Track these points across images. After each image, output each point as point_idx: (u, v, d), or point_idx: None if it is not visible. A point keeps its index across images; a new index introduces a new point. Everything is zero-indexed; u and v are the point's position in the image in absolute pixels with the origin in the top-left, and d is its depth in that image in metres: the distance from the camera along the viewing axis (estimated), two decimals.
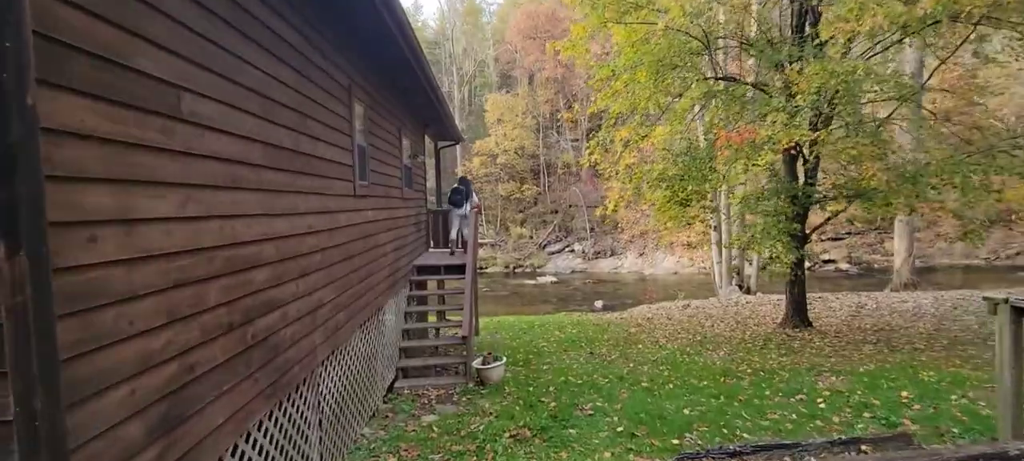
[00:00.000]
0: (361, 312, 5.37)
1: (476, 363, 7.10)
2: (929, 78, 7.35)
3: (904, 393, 5.27)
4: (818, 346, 8.55)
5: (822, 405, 5.16)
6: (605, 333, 11.04)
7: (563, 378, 7.16)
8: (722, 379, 6.70)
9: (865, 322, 10.89)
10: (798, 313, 9.80)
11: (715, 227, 19.34)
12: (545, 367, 8.01)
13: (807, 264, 32.41)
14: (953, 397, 5.13)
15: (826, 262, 29.58)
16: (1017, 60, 7.85)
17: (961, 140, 8.19)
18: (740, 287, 19.53)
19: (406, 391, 6.81)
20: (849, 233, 31.04)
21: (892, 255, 27.95)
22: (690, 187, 7.58)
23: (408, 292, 8.28)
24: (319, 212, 4.11)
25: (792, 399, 5.47)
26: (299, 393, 3.68)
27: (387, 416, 5.98)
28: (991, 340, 8.80)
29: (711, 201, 8.66)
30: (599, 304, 21.21)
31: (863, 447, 3.86)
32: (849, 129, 6.39)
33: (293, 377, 3.47)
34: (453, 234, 9.85)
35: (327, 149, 4.34)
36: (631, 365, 7.93)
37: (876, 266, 28.70)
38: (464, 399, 6.45)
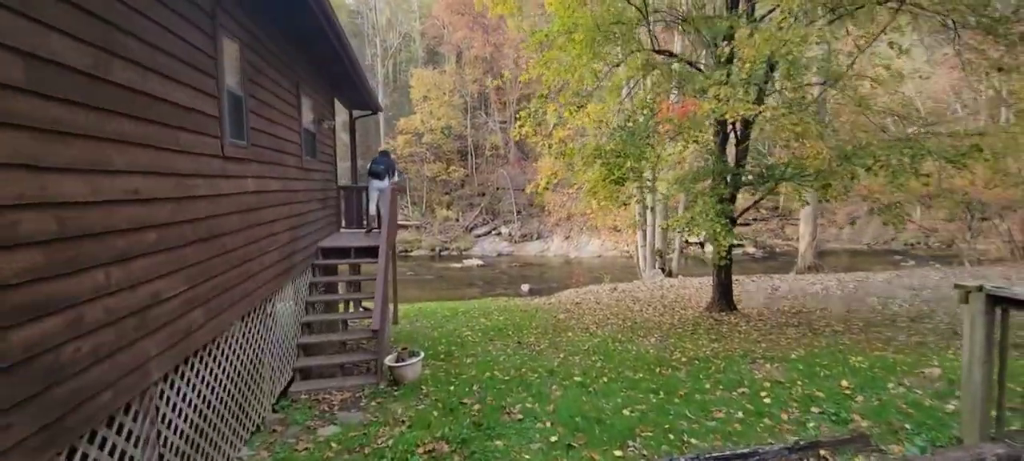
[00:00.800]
0: (235, 306, 4.25)
1: (389, 360, 6.16)
2: (852, 63, 7.28)
3: (844, 382, 5.04)
4: (745, 331, 8.46)
5: (767, 400, 4.79)
6: (533, 320, 10.45)
7: (489, 374, 6.41)
8: (658, 370, 6.26)
9: (782, 304, 11.14)
10: (724, 297, 9.74)
11: (642, 211, 19.48)
12: (469, 360, 7.22)
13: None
14: (890, 385, 4.96)
15: (735, 246, 31.36)
16: (927, 51, 8.05)
17: (876, 126, 8.32)
18: (663, 270, 19.88)
19: (304, 396, 5.73)
20: (755, 219, 33.20)
21: (793, 240, 30.14)
22: (628, 164, 7.06)
23: (311, 278, 7.11)
24: (156, 173, 2.98)
25: (734, 393, 5.08)
26: (113, 428, 2.59)
27: (275, 430, 4.91)
28: (899, 321, 9.24)
29: (647, 180, 8.22)
30: (526, 288, 20.79)
31: (823, 452, 3.44)
32: (792, 106, 6.13)
33: (96, 408, 2.38)
34: (371, 208, 8.74)
35: (171, 87, 3.18)
36: (562, 355, 7.34)
37: (778, 250, 30.84)
38: (373, 404, 5.51)
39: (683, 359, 6.73)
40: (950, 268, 17.66)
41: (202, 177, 3.60)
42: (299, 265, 6.44)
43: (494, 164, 37.65)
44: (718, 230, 6.46)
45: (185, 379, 3.44)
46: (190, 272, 3.38)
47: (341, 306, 8.87)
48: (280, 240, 5.63)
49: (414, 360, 6.16)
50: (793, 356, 6.48)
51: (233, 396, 4.29)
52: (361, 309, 8.58)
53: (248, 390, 4.65)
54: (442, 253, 31.83)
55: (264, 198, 5.07)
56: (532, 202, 34.73)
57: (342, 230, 9.54)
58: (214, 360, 3.93)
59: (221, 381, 4.06)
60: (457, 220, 34.46)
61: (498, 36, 39.11)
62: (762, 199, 9.15)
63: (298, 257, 6.39)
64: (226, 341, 4.18)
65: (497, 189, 35.53)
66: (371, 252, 7.37)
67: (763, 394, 4.92)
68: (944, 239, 25.57)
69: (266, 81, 5.23)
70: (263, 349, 5.09)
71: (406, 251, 32.11)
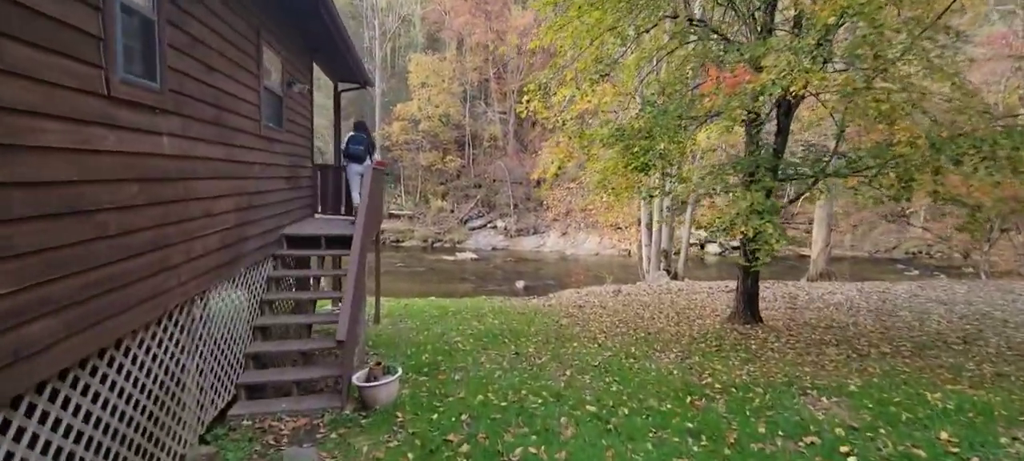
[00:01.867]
0: (132, 310, 3.04)
1: (358, 378, 4.96)
2: (921, 33, 6.00)
3: (943, 434, 3.89)
4: (779, 349, 7.32)
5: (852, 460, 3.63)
6: (532, 324, 9.28)
7: (481, 397, 5.23)
8: (689, 399, 5.11)
9: (806, 316, 10.03)
10: (750, 307, 8.61)
11: (648, 208, 18.35)
12: (458, 376, 6.04)
13: (716, 251, 32.90)
14: (1003, 439, 3.82)
15: (735, 248, 30.43)
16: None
17: (973, 110, 7.00)
18: (667, 272, 18.77)
19: (247, 422, 4.53)
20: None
21: (796, 245, 29.18)
22: (659, 146, 5.87)
23: (271, 272, 5.90)
24: None
25: (801, 444, 3.93)
26: None
27: None
28: (951, 343, 8.14)
29: (677, 168, 7.01)
30: (520, 284, 19.69)
31: None
32: (873, 76, 4.94)
33: None
34: (355, 197, 7.48)
35: None
36: (568, 373, 6.18)
37: (779, 255, 29.84)
38: (334, 436, 4.32)
39: (716, 385, 5.58)
40: (973, 280, 16.70)
41: (61, 120, 2.38)
42: (252, 255, 5.22)
43: (492, 155, 36.39)
44: (769, 231, 5.30)
45: (40, 415, 2.23)
46: (25, 266, 2.17)
47: (326, 303, 7.66)
48: (222, 223, 4.41)
49: (389, 379, 4.96)
50: (852, 387, 5.34)
51: (130, 431, 3.09)
52: (338, 309, 7.37)
53: (158, 419, 3.45)
54: (435, 245, 30.66)
55: (193, 167, 3.84)
56: (530, 196, 33.54)
57: (318, 216, 8.31)
58: (85, 388, 2.72)
59: (103, 416, 2.85)
60: (452, 211, 33.22)
61: (500, 23, 37.83)
62: (797, 200, 7.99)
63: (251, 246, 5.18)
64: (114, 358, 2.97)
65: (494, 181, 34.32)
66: (345, 242, 6.15)
67: (843, 449, 3.76)
68: (956, 249, 24.61)
69: (202, 12, 3.99)
70: (186, 364, 3.88)
71: (398, 242, 30.93)
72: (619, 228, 27.28)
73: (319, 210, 8.44)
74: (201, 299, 4.15)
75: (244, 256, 5.00)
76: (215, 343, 4.44)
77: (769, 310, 10.51)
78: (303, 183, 7.34)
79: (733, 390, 5.39)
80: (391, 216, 32.89)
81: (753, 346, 7.48)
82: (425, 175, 35.01)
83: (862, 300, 12.22)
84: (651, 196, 6.74)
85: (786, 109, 6.78)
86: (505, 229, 31.65)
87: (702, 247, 29.48)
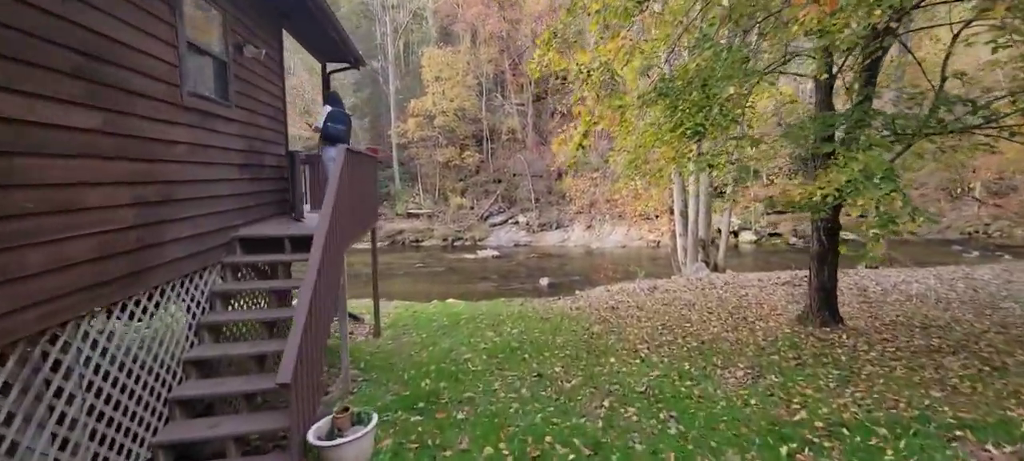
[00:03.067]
0: None
1: (316, 432, 3.57)
2: None
3: None
4: (876, 359, 5.67)
5: None
6: (557, 334, 7.79)
7: (490, 449, 3.80)
8: (783, 448, 3.57)
9: (888, 312, 8.28)
10: (827, 305, 6.95)
11: (682, 192, 16.64)
12: (462, 414, 4.61)
13: (753, 237, 30.78)
14: None
15: (773, 235, 28.48)
16: None
17: None
18: (706, 263, 16.99)
19: None
20: (793, 205, 30.05)
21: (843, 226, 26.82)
22: (726, 93, 4.30)
23: (217, 286, 4.57)
24: None
25: None
26: None
27: None
28: None
29: (744, 124, 5.38)
30: (545, 282, 18.22)
31: None
32: None
33: None
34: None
35: None
36: (606, 404, 4.70)
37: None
38: None
39: (816, 423, 4.01)
40: None
41: None
42: (178, 265, 3.88)
43: (511, 149, 34.91)
44: (899, 205, 3.69)
45: None
46: None
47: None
48: (103, 222, 3.07)
49: (358, 433, 3.55)
50: None
51: None
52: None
53: None
54: (455, 243, 29.44)
55: (30, 138, 2.50)
56: (551, 189, 31.97)
57: (309, 214, 6.97)
58: None
59: None
60: (471, 208, 31.92)
61: (514, 12, 36.32)
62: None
63: (174, 253, 3.84)
64: None
65: (514, 175, 32.86)
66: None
67: None
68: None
69: None
70: (28, 442, 2.54)
71: (417, 241, 29.85)
72: (648, 218, 25.49)
73: (308, 208, 7.11)
74: (72, 331, 2.82)
75: (160, 267, 3.66)
76: (103, 396, 3.10)
77: (840, 306, 8.80)
78: (268, 173, 6.00)
79: (844, 432, 3.82)
80: (410, 215, 31.82)
81: (842, 357, 5.84)
82: (443, 172, 33.80)
83: (946, 289, 10.32)
84: (709, 166, 5.14)
85: (869, 67, 5.10)
86: (527, 224, 30.20)
87: (736, 235, 27.50)
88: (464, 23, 38.33)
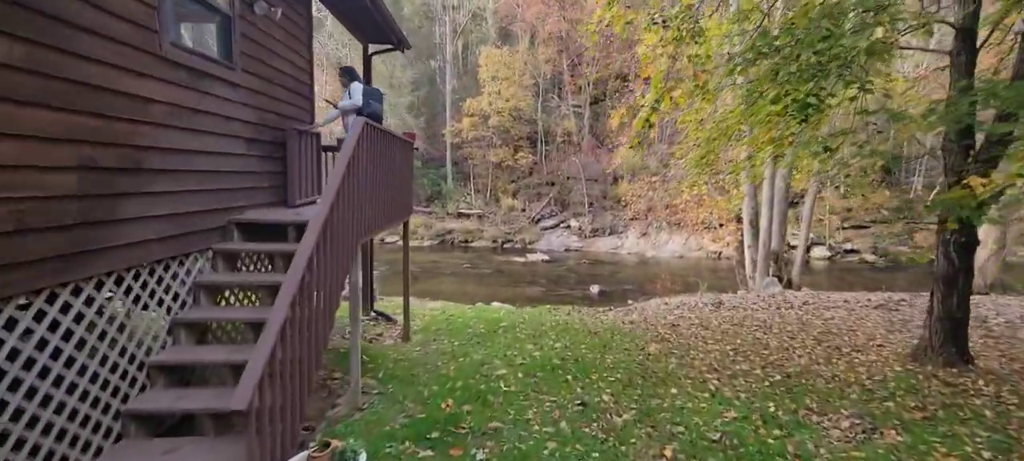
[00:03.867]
0: None
1: None
2: None
3: None
4: None
5: None
6: (607, 352, 6.70)
7: None
8: None
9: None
10: (954, 340, 5.49)
11: (752, 199, 15.02)
12: (482, 452, 3.70)
13: (826, 253, 28.13)
14: None
15: (848, 252, 25.96)
16: None
17: None
18: (779, 279, 15.21)
19: None
20: (874, 221, 27.24)
21: (922, 248, 23.86)
22: (859, 40, 3.15)
23: (205, 277, 3.90)
24: None
25: None
26: None
27: None
28: None
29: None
30: (595, 289, 17.08)
31: None
32: None
33: None
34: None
35: None
36: (668, 456, 3.63)
37: (904, 260, 24.70)
38: None
39: None
40: None
41: None
42: (145, 250, 3.21)
43: (565, 152, 33.82)
44: None
45: None
46: None
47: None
48: (33, 186, 2.40)
49: None
50: None
51: None
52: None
53: None
54: (505, 245, 28.68)
55: None
56: (606, 194, 30.58)
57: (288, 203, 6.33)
58: None
59: None
60: (523, 210, 31.07)
61: (574, 12, 35.23)
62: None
63: (142, 233, 3.17)
64: None
65: (568, 178, 31.74)
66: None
67: None
68: None
69: None
70: None
71: (467, 242, 29.36)
72: (711, 227, 23.67)
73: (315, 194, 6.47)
74: None
75: (115, 249, 2.98)
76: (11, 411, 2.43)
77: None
78: (277, 155, 5.32)
79: None
80: (460, 215, 31.42)
81: (985, 411, 4.44)
82: (495, 172, 33.21)
83: None
84: (826, 149, 3.92)
85: None
86: (579, 229, 28.99)
87: (808, 250, 25.17)
88: (523, 23, 37.67)
